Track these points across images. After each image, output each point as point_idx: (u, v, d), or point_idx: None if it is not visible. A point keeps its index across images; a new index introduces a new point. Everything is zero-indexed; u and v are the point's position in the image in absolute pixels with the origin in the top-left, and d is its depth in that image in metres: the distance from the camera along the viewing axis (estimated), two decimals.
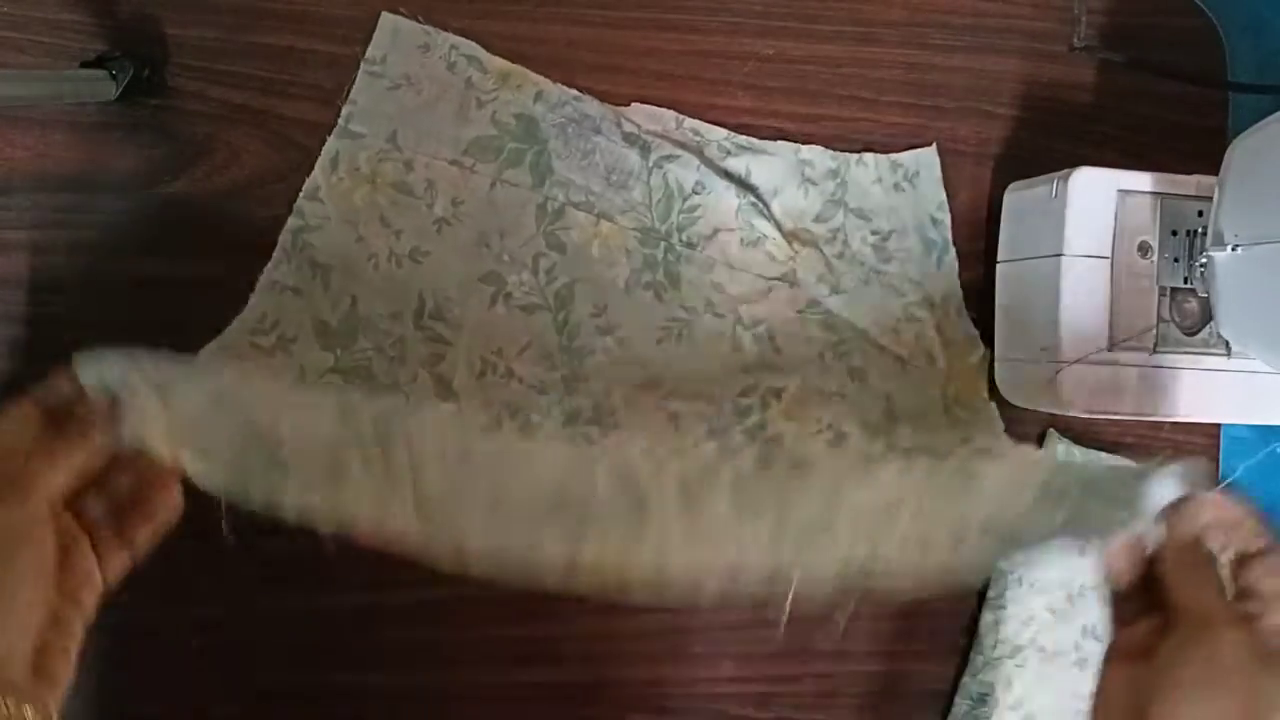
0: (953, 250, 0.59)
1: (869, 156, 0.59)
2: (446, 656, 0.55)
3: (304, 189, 0.53)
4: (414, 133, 0.54)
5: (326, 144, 0.53)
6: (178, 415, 0.40)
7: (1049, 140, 0.60)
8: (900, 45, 0.59)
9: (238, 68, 0.53)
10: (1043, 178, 0.55)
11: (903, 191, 0.59)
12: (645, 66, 0.57)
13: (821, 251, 0.58)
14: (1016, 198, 0.58)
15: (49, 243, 0.52)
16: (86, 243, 0.52)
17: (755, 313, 0.57)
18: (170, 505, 0.41)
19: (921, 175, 0.59)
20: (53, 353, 0.50)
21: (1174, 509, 0.41)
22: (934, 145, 0.59)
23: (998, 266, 0.59)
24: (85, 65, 0.50)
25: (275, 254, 0.53)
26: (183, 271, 0.52)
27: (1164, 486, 0.42)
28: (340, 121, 0.53)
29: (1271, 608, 0.39)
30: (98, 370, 0.40)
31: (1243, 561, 0.41)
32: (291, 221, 0.53)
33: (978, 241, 0.60)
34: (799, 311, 0.57)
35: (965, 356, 0.59)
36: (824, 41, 0.58)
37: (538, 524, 0.42)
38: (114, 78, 0.50)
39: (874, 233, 0.59)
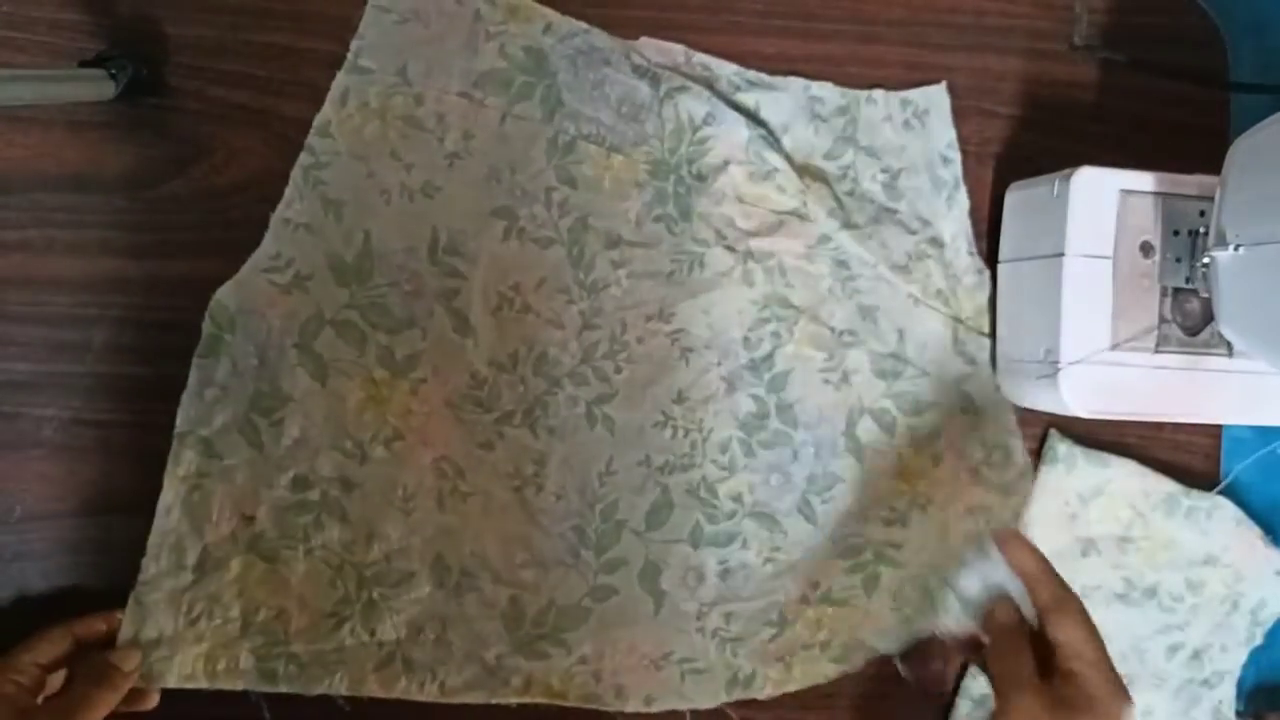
0: (964, 189, 0.59)
1: (879, 94, 0.58)
2: None
3: (314, 125, 0.53)
4: (423, 66, 0.54)
5: (336, 79, 0.53)
6: (219, 652, 0.51)
7: (1050, 140, 0.60)
8: (901, 44, 0.59)
9: (237, 67, 0.53)
10: (1044, 177, 0.55)
11: (912, 129, 0.59)
12: None
13: (832, 188, 0.58)
14: (1018, 197, 0.58)
15: (49, 242, 0.52)
16: (86, 242, 0.52)
17: (766, 246, 0.57)
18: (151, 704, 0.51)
19: (931, 114, 0.59)
20: (52, 353, 0.51)
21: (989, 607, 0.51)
22: (944, 83, 0.59)
23: (999, 266, 0.59)
24: (84, 64, 0.50)
25: (286, 192, 0.52)
26: (183, 271, 0.52)
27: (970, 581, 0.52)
28: (349, 56, 0.53)
29: (1065, 656, 0.46)
30: (137, 624, 0.50)
31: (1044, 616, 0.48)
32: (302, 158, 0.53)
33: (979, 241, 0.60)
34: (809, 247, 0.57)
35: (974, 294, 0.59)
36: (824, 40, 0.58)
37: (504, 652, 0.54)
38: (113, 77, 0.50)
39: (884, 170, 0.58)
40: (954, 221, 0.59)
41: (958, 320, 0.59)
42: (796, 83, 0.58)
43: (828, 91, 0.58)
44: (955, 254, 0.59)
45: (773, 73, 0.57)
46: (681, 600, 0.56)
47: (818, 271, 0.57)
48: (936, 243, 0.59)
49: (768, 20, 0.58)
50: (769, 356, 0.57)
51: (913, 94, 0.59)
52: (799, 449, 0.57)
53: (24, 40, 0.52)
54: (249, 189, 0.53)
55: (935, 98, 0.59)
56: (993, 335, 0.59)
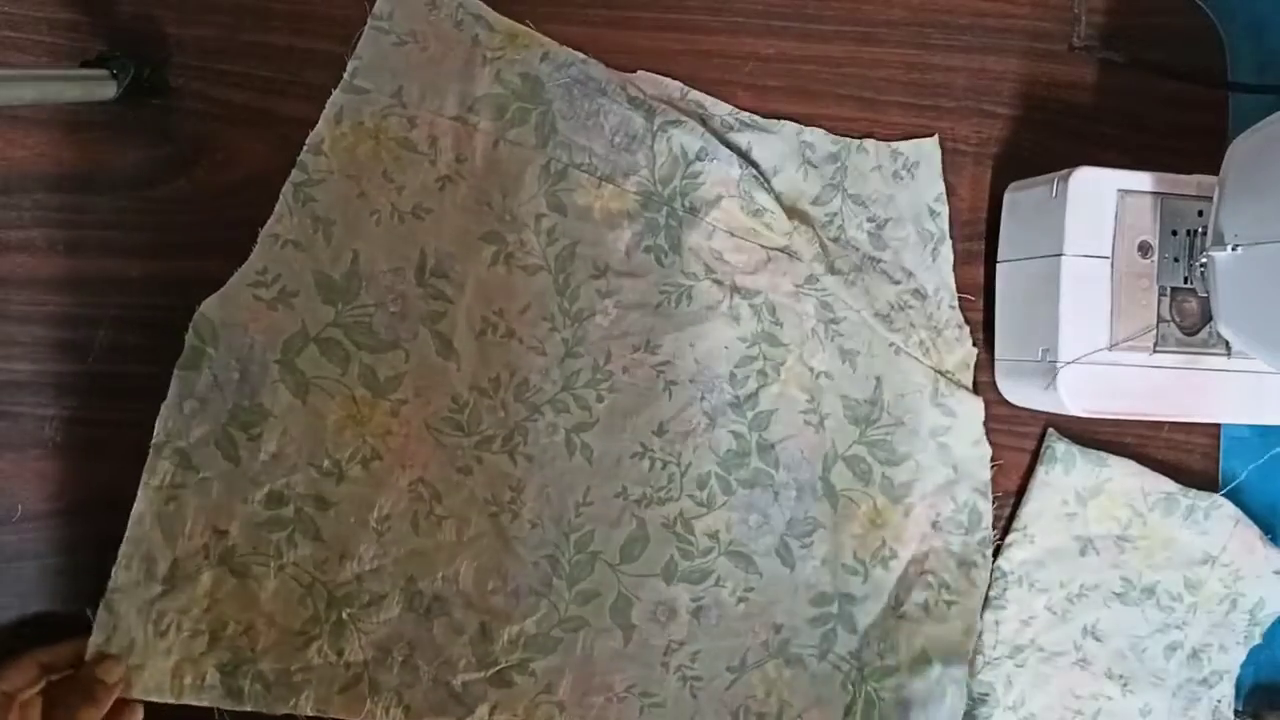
0: (949, 242, 0.59)
1: (870, 143, 0.59)
2: None
3: (307, 142, 0.53)
4: (418, 89, 0.54)
5: (331, 97, 0.53)
6: (186, 666, 0.51)
7: (1049, 140, 0.61)
8: (900, 45, 0.59)
9: (238, 67, 0.53)
10: (1043, 177, 0.55)
11: (901, 180, 0.59)
12: (647, 66, 0.57)
13: (817, 233, 0.58)
14: (1017, 197, 0.58)
15: (49, 242, 0.52)
16: (86, 243, 0.52)
17: (754, 283, 0.57)
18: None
19: (921, 166, 0.59)
20: (52, 353, 0.51)
21: None
22: (936, 136, 0.59)
23: (998, 266, 0.59)
24: (86, 64, 0.50)
25: (276, 208, 0.53)
26: (183, 271, 0.52)
27: None
28: (345, 76, 0.53)
29: None
30: (107, 631, 0.50)
31: None
32: (294, 175, 0.53)
33: (978, 241, 0.60)
34: (797, 285, 0.57)
35: (954, 347, 0.59)
36: (824, 41, 0.58)
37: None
38: (115, 77, 0.50)
39: (870, 220, 0.59)
40: (937, 274, 0.59)
41: (939, 372, 0.59)
42: (789, 127, 0.58)
43: (819, 138, 0.58)
44: (937, 307, 0.59)
45: (774, 77, 0.58)
46: (651, 635, 0.55)
47: (803, 310, 0.57)
48: (919, 294, 0.59)
49: (767, 21, 0.58)
50: (754, 394, 0.57)
51: (904, 146, 0.59)
52: (780, 490, 0.57)
53: (24, 40, 0.52)
54: (249, 189, 0.53)
55: (927, 150, 0.59)
56: (991, 340, 0.59)
